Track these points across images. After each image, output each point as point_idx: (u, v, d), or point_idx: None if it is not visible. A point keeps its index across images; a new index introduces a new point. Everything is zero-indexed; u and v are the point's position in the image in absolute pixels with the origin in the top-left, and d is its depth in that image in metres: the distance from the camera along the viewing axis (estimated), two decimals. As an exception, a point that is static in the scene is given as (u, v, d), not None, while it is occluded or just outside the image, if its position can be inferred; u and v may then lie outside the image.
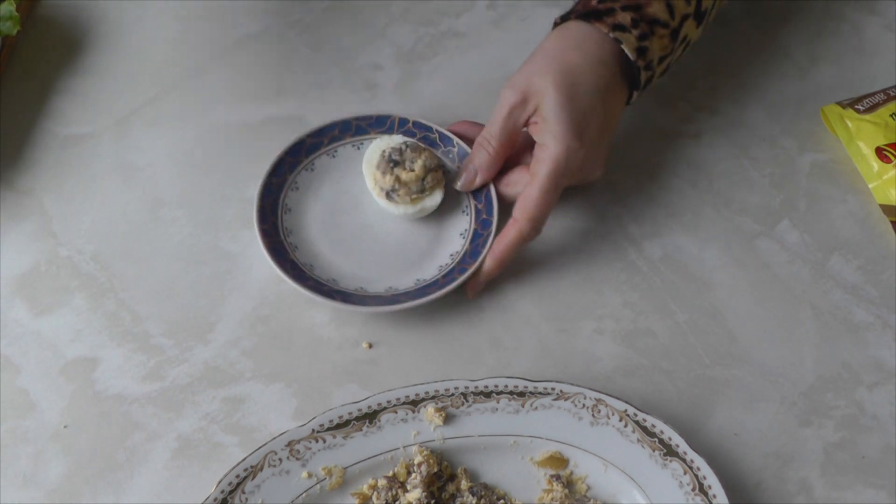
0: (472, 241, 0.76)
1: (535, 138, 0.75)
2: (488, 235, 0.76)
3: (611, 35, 0.74)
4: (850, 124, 0.81)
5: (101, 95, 0.85)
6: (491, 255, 0.74)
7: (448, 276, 0.74)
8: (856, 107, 0.82)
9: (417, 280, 0.75)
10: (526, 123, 0.75)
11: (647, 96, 0.85)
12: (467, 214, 0.78)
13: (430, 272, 0.75)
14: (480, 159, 0.77)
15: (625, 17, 0.74)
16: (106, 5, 0.90)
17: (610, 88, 0.75)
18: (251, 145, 0.82)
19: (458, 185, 0.78)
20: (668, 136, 0.84)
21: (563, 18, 0.77)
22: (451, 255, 0.76)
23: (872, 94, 0.83)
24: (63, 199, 0.80)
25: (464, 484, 0.66)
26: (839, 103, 0.83)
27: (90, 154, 0.82)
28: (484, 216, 0.77)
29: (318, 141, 0.80)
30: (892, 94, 0.83)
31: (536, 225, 0.74)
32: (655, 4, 0.75)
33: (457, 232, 0.77)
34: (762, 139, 0.84)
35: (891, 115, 0.81)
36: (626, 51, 0.74)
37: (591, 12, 0.75)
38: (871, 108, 0.82)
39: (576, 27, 0.75)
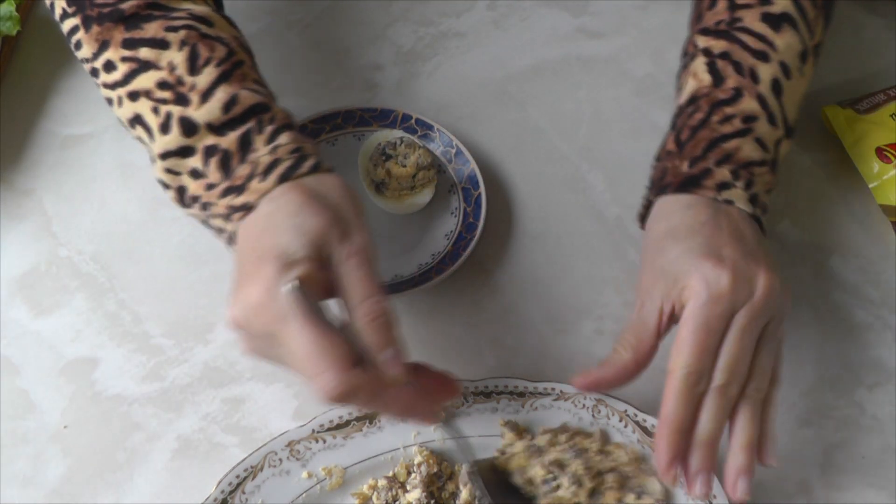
0: (455, 242, 0.76)
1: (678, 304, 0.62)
2: (472, 239, 0.76)
3: (720, 199, 0.65)
4: (850, 124, 0.81)
5: (100, 95, 0.85)
6: (659, 425, 0.60)
7: (425, 275, 0.74)
8: (856, 107, 0.82)
9: (395, 275, 0.75)
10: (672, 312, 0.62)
11: (647, 96, 0.85)
12: (455, 216, 0.78)
13: (408, 269, 0.75)
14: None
15: (724, 173, 0.65)
16: (106, 5, 0.90)
17: (732, 224, 0.64)
18: (251, 145, 0.82)
19: (577, 381, 0.64)
20: (668, 136, 0.84)
21: (658, 194, 0.67)
22: (433, 255, 0.76)
23: (872, 94, 0.83)
24: (63, 199, 0.80)
25: (464, 494, 0.66)
26: (839, 103, 0.83)
27: (90, 154, 0.82)
28: (471, 219, 0.77)
29: (319, 127, 0.80)
30: (892, 94, 0.83)
31: (692, 370, 0.59)
32: (746, 147, 0.66)
33: (442, 233, 0.77)
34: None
35: (891, 115, 0.81)
36: (741, 207, 0.65)
37: (687, 180, 0.66)
38: (871, 108, 0.82)
39: (675, 202, 0.66)
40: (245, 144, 0.61)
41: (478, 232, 0.76)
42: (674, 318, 0.62)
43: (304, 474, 0.66)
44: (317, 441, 0.66)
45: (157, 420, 0.70)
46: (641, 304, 0.63)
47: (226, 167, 0.61)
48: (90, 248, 0.77)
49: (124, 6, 0.63)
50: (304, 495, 0.65)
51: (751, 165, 0.66)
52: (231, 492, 0.64)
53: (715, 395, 0.60)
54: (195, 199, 0.62)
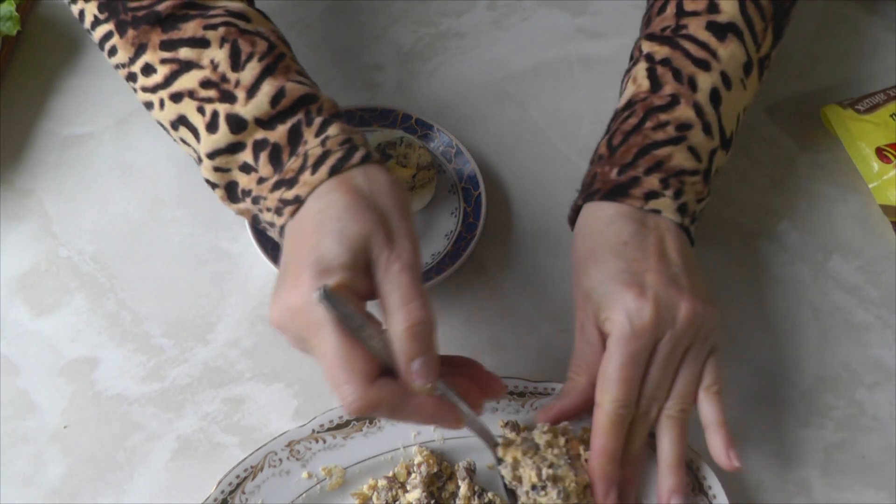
0: (455, 242, 0.76)
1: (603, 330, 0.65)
2: (472, 239, 0.75)
3: (646, 209, 0.65)
4: (850, 124, 0.81)
5: (101, 95, 0.85)
6: (593, 457, 0.63)
7: (425, 275, 0.74)
8: (856, 107, 0.82)
9: None
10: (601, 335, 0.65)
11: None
12: (455, 216, 0.78)
13: None
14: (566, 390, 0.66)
15: (652, 182, 0.65)
16: (106, 5, 0.90)
17: (656, 240, 0.65)
18: (251, 145, 0.82)
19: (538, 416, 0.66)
20: (668, 136, 0.84)
21: (586, 200, 0.68)
22: (433, 255, 0.76)
23: (872, 94, 0.83)
24: (63, 199, 0.80)
25: (463, 488, 0.66)
26: (839, 103, 0.83)
27: (90, 154, 0.82)
28: (471, 219, 0.77)
29: None
30: (892, 94, 0.83)
31: (621, 404, 0.62)
32: (678, 155, 0.66)
33: (442, 233, 0.77)
34: (762, 139, 0.84)
35: (891, 116, 0.81)
36: (669, 217, 0.65)
37: (615, 188, 0.66)
38: (871, 109, 0.82)
39: (601, 212, 0.66)
40: (295, 137, 0.61)
41: (478, 232, 0.76)
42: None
43: (304, 474, 0.66)
44: (317, 441, 0.66)
45: (157, 420, 0.70)
46: (581, 326, 0.66)
47: (276, 160, 0.61)
48: (90, 248, 0.77)
49: (160, 7, 0.63)
50: (304, 495, 0.65)
51: (682, 174, 0.66)
52: (231, 492, 0.64)
53: (640, 421, 0.64)
54: (247, 193, 0.62)
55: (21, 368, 0.72)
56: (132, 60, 0.64)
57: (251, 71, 0.62)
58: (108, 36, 0.65)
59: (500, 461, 0.63)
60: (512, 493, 0.63)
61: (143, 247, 0.77)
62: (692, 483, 0.65)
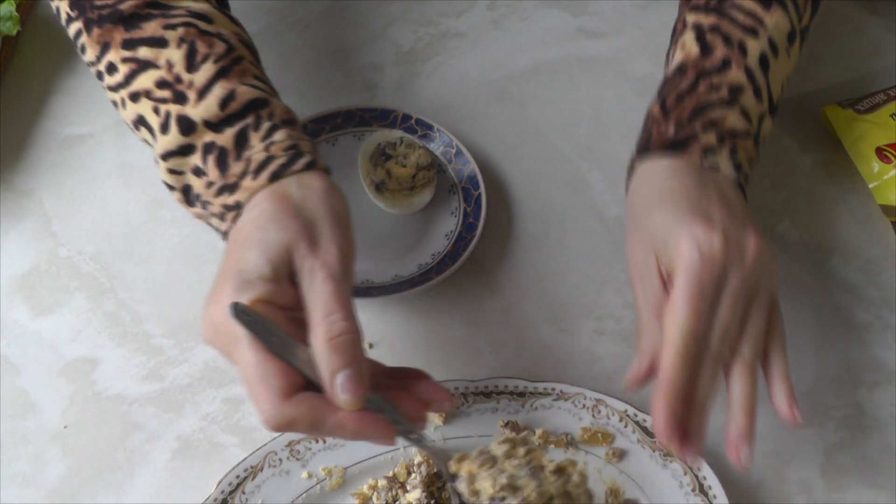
0: (455, 242, 0.76)
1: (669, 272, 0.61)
2: (472, 239, 0.75)
3: (704, 165, 0.64)
4: (850, 124, 0.81)
5: (101, 95, 0.84)
6: (658, 393, 0.59)
7: (425, 275, 0.74)
8: (856, 107, 0.82)
9: (395, 276, 0.75)
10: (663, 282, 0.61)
11: (647, 96, 0.84)
12: (455, 216, 0.78)
13: (408, 269, 0.75)
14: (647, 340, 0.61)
15: (710, 138, 0.65)
16: (106, 5, 0.90)
17: (717, 189, 0.63)
18: (251, 145, 0.82)
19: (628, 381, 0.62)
20: (668, 136, 0.84)
21: (642, 157, 0.66)
22: (433, 255, 0.76)
23: (872, 94, 0.83)
24: (63, 199, 0.80)
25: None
26: (839, 103, 0.83)
27: (90, 154, 0.82)
28: (471, 219, 0.77)
29: (319, 127, 0.80)
30: (892, 94, 0.83)
31: (691, 336, 0.58)
32: (731, 117, 0.66)
33: (442, 233, 0.77)
34: (762, 139, 0.84)
35: (891, 115, 0.81)
36: (727, 173, 0.64)
37: (673, 144, 0.65)
38: (871, 109, 0.82)
39: (660, 166, 0.65)
40: (241, 141, 0.60)
41: (478, 232, 0.76)
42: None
43: (304, 474, 0.66)
44: (317, 441, 0.66)
45: (157, 420, 0.70)
46: (640, 276, 0.62)
47: (223, 164, 0.60)
48: (90, 248, 0.77)
49: (123, 6, 0.63)
50: (304, 495, 0.65)
51: (735, 135, 0.66)
52: (231, 492, 0.64)
53: (712, 361, 0.59)
54: (198, 197, 0.62)
55: (21, 368, 0.72)
56: (98, 59, 0.64)
57: (205, 73, 0.61)
58: (78, 34, 0.65)
59: (454, 477, 0.59)
60: None
61: (143, 247, 0.77)
62: (692, 483, 0.65)
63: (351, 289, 0.56)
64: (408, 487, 0.65)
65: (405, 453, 0.67)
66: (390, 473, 0.66)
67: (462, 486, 0.58)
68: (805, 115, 0.85)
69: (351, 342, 0.54)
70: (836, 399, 0.72)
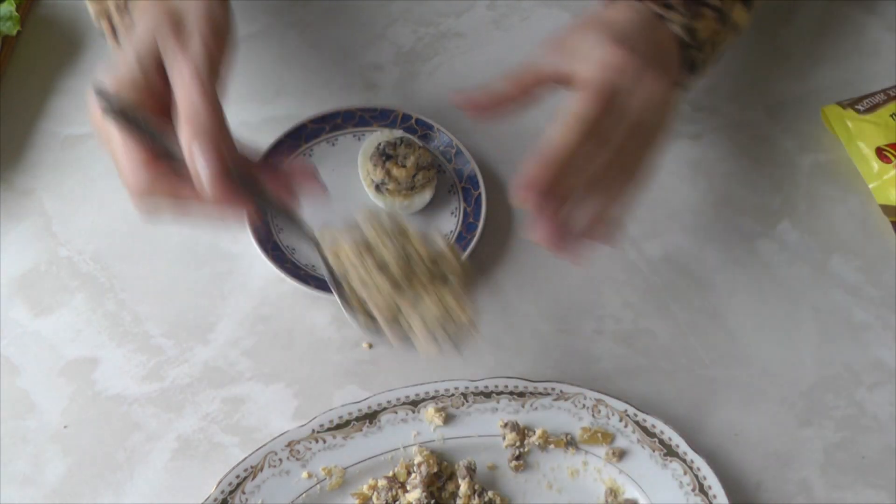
0: (455, 242, 0.76)
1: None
2: (472, 239, 0.75)
3: (658, 11, 0.66)
4: (850, 124, 0.81)
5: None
6: (530, 162, 0.61)
7: None
8: (856, 107, 0.82)
9: None
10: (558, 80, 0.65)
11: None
12: (455, 216, 0.78)
13: None
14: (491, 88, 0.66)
15: None
16: (106, 5, 0.90)
17: (663, 49, 0.66)
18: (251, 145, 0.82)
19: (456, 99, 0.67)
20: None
21: None
22: None
23: (872, 94, 0.83)
24: (63, 199, 0.80)
25: (463, 487, 0.66)
26: (839, 103, 0.83)
27: (90, 154, 0.82)
28: (471, 219, 0.77)
29: (319, 127, 0.80)
30: (892, 94, 0.83)
31: (589, 121, 0.62)
32: None
33: (442, 233, 0.77)
34: (762, 139, 0.84)
35: (891, 115, 0.81)
36: (675, 30, 0.67)
37: None
38: (871, 108, 0.82)
39: (625, 4, 0.67)
40: None
41: (478, 232, 0.76)
42: (560, 82, 0.64)
43: (304, 474, 0.66)
44: (317, 441, 0.66)
45: (157, 420, 0.70)
46: (548, 54, 0.65)
47: None
48: (90, 248, 0.77)
49: None
50: (304, 495, 0.65)
51: (702, 6, 0.67)
52: (231, 492, 0.64)
53: (583, 162, 0.61)
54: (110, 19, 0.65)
55: (21, 368, 0.72)
56: None
57: None
58: None
59: (325, 260, 0.61)
60: (339, 286, 0.62)
61: (143, 247, 0.77)
62: (692, 483, 0.65)
63: (217, 87, 0.58)
64: (408, 487, 0.65)
65: (405, 453, 0.67)
66: (390, 473, 0.66)
67: (331, 258, 0.61)
68: (805, 115, 0.85)
69: (208, 116, 0.56)
70: (836, 399, 0.72)
